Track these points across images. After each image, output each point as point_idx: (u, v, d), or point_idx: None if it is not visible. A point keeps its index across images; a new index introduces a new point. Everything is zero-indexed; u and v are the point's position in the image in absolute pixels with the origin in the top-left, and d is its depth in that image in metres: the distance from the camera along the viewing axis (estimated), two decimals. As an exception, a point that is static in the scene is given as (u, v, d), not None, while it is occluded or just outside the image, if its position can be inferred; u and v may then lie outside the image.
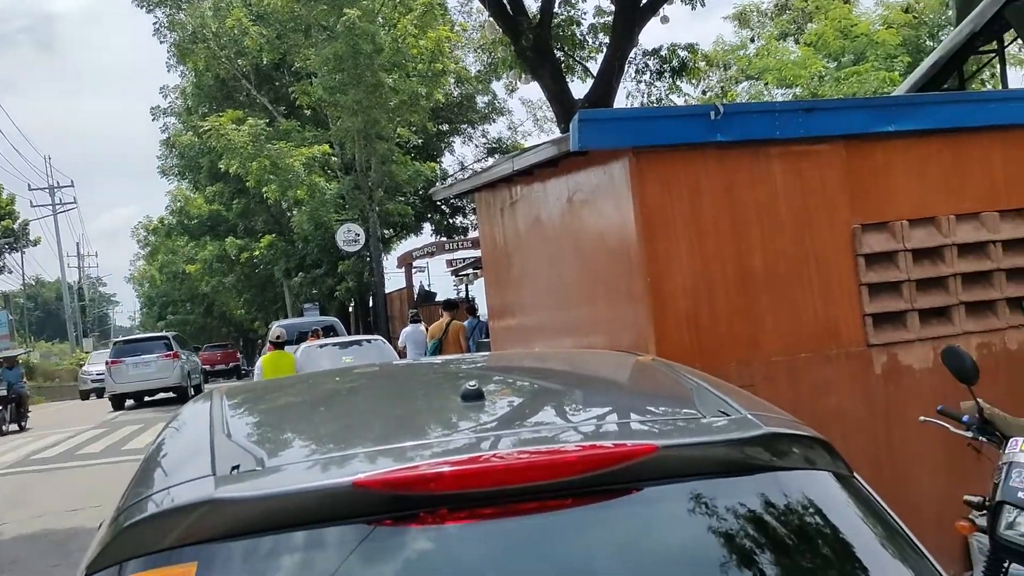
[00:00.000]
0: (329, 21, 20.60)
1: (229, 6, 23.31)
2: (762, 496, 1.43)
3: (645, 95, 14.09)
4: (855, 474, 1.59)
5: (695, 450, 1.43)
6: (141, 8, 23.93)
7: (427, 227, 29.73)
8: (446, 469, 1.33)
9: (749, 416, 1.55)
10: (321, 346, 14.63)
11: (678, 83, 14.02)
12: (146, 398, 25.26)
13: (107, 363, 24.56)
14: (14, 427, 20.56)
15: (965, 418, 3.21)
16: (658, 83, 13.85)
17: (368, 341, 15.04)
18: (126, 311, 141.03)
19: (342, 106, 20.91)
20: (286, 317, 32.62)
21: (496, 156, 29.30)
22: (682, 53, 13.51)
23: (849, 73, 23.37)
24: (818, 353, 4.88)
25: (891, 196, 5.03)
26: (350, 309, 31.83)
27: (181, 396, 24.21)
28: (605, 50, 12.23)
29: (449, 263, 22.73)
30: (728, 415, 1.56)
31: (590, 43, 13.41)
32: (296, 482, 1.36)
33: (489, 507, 1.35)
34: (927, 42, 27.39)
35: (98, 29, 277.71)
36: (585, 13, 13.11)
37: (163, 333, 30.22)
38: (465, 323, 15.82)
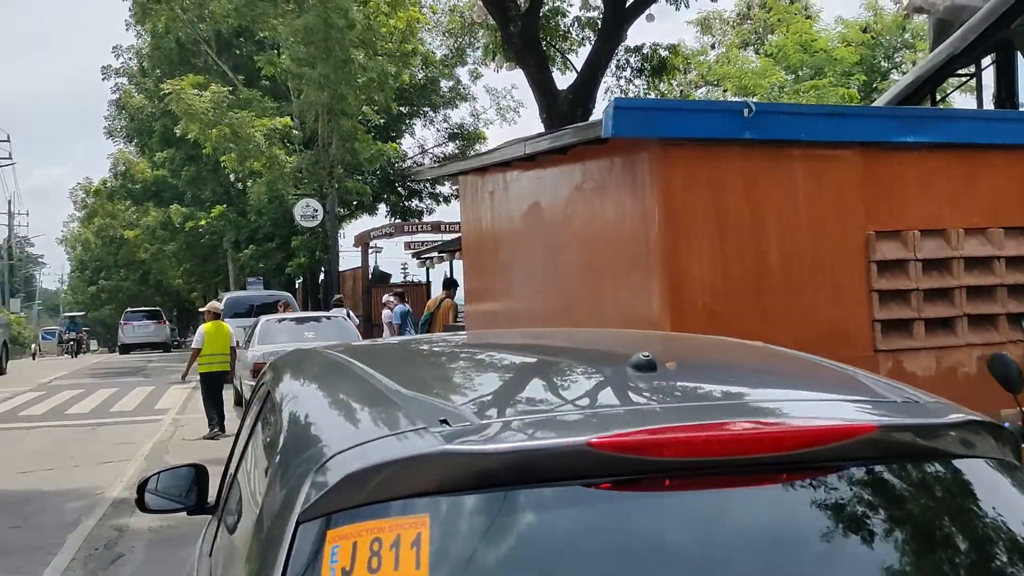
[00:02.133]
0: (301, -9, 20.21)
1: (196, -32, 22.70)
2: (956, 481, 1.46)
3: (624, 92, 14.20)
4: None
5: (908, 432, 1.45)
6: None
7: (382, 208, 29.45)
8: (681, 435, 1.32)
9: (938, 402, 1.58)
10: (280, 320, 14.41)
11: (657, 82, 14.15)
12: (133, 351, 37.07)
13: (121, 323, 39.88)
14: None
15: (1007, 424, 3.31)
16: (637, 81, 13.96)
17: (327, 318, 14.85)
18: (54, 273, 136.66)
19: (309, 79, 20.55)
20: (228, 290, 32.02)
21: (457, 141, 29.15)
22: (663, 53, 13.64)
23: (809, 87, 23.88)
24: (827, 355, 4.98)
25: (904, 206, 5.17)
26: (297, 285, 31.37)
27: (165, 349, 38.16)
28: (593, 43, 12.25)
29: (407, 245, 22.55)
30: (917, 400, 1.58)
31: (574, 35, 13.43)
32: (527, 439, 1.35)
33: (709, 477, 1.35)
34: (882, 62, 28.16)
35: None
36: (571, 4, 13.14)
37: (156, 308, 43.74)
38: (397, 309, 16.16)
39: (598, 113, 12.47)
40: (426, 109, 28.79)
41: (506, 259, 8.54)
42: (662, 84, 14.31)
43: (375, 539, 1.27)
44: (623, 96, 14.44)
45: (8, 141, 79.86)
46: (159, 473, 3.05)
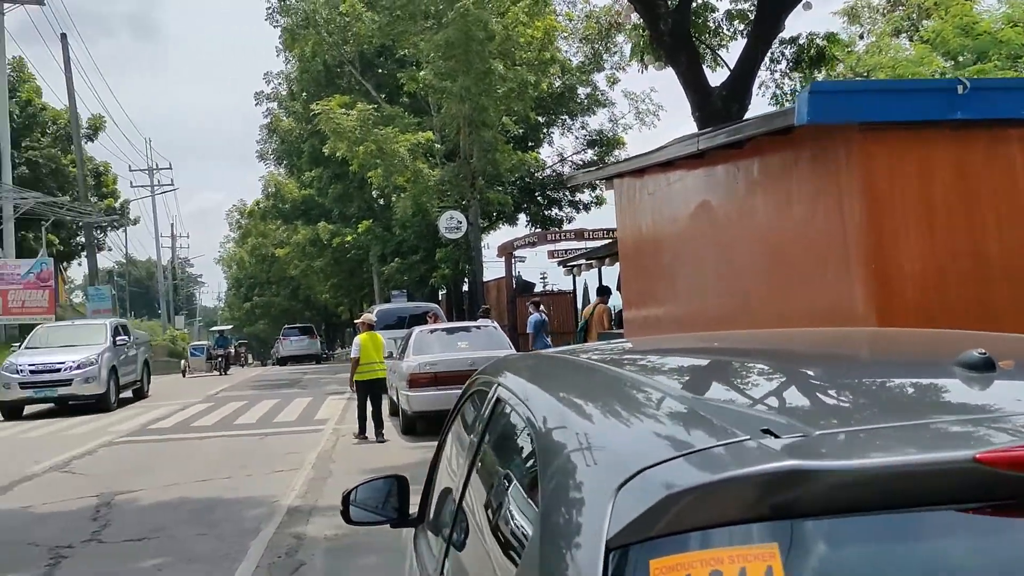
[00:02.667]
0: (440, 7, 20.53)
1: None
2: None
3: (778, 85, 13.63)
4: None
5: None
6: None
7: (522, 218, 29.57)
8: None
9: None
10: (431, 331, 14.54)
11: (815, 74, 13.48)
12: (289, 363, 42.30)
13: (279, 339, 47.30)
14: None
15: None
16: (793, 74, 13.33)
17: (477, 327, 14.87)
18: (211, 291, 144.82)
19: (449, 93, 20.84)
20: (373, 303, 32.94)
21: (596, 148, 28.94)
22: (820, 42, 12.97)
23: (974, 71, 22.34)
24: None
25: None
26: (440, 296, 31.90)
27: (316, 360, 43.28)
28: (746, 38, 11.79)
29: (551, 254, 22.49)
30: None
31: (724, 30, 12.97)
32: (894, 454, 1.12)
33: None
34: (1053, 42, 26.06)
35: (201, 17, 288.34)
36: (721, -1, 12.68)
37: (309, 325, 50.26)
38: (531, 319, 16.21)
39: (754, 109, 11.97)
40: (563, 117, 28.74)
41: (669, 261, 8.25)
42: (819, 75, 13.63)
43: (714, 572, 1.07)
44: (779, 90, 13.90)
45: (170, 168, 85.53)
46: (360, 485, 2.98)
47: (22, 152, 35.78)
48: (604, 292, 14.43)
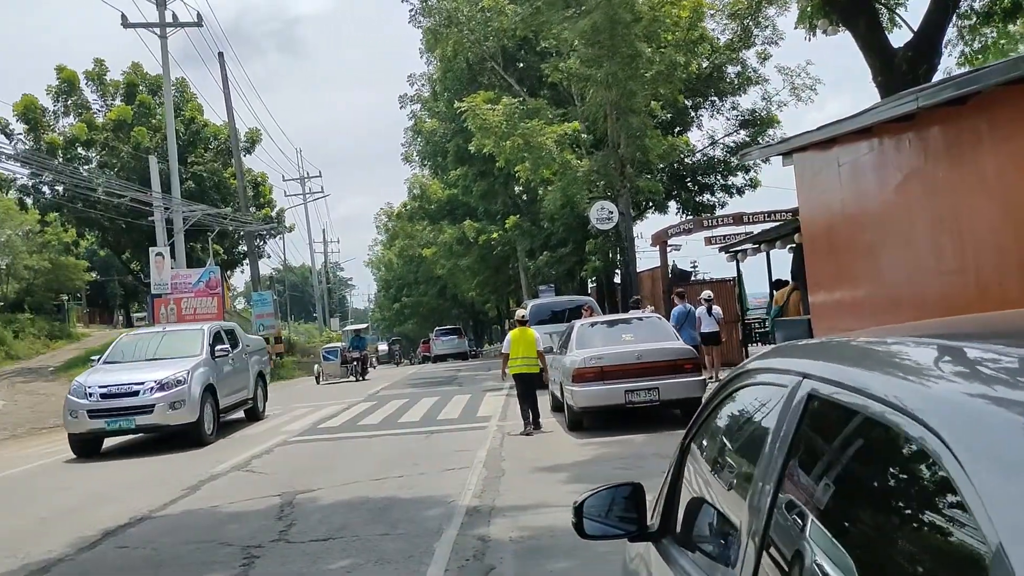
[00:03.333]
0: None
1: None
2: None
3: (966, 42, 12.43)
4: None
5: None
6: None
7: (672, 205, 28.73)
8: None
9: None
10: (592, 324, 14.15)
11: (1009, 27, 12.20)
12: (439, 361, 46.15)
13: (431, 338, 52.69)
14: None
15: None
16: (983, 28, 12.11)
17: (639, 318, 14.38)
18: (361, 294, 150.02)
19: (594, 80, 20.39)
20: (521, 299, 32.94)
21: (748, 128, 27.75)
22: (1016, -9, 11.73)
23: None
24: None
25: None
26: (590, 289, 31.50)
27: (464, 358, 47.51)
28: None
29: (708, 240, 21.65)
30: None
31: (905, -13, 11.93)
32: None
33: None
34: None
35: (342, 26, 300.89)
36: (902, -47, 11.62)
37: (457, 326, 56.64)
38: (675, 310, 15.55)
39: (943, 69, 10.91)
40: (712, 98, 27.71)
41: (871, 238, 7.53)
42: (1014, 28, 12.33)
43: None
44: (968, 48, 12.68)
45: (320, 176, 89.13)
46: (590, 495, 2.62)
47: (188, 167, 37.87)
48: (798, 276, 13.67)
